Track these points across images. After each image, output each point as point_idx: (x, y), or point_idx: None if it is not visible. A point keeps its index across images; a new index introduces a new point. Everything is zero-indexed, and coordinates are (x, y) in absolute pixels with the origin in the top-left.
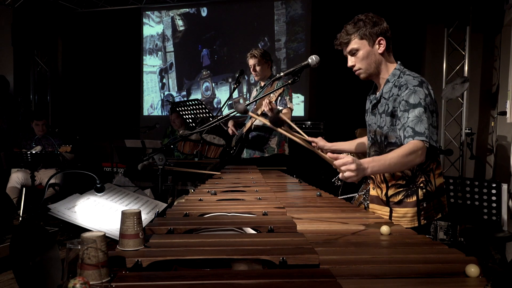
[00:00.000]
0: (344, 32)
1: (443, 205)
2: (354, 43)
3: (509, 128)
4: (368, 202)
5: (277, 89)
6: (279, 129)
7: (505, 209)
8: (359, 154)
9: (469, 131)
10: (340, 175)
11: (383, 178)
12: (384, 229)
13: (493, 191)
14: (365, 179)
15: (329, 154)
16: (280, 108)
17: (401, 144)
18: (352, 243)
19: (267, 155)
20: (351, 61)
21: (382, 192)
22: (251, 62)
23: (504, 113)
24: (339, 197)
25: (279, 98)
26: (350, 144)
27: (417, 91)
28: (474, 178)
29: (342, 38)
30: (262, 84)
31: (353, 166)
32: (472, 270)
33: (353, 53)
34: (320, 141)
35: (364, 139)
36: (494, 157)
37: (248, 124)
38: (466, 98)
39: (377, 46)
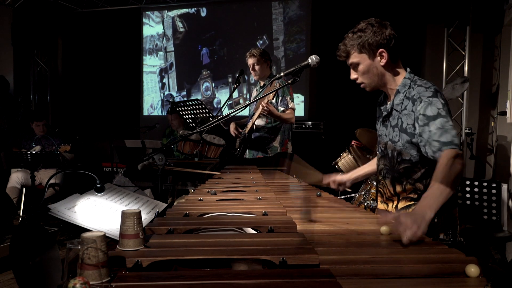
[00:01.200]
0: (343, 44)
1: (455, 218)
2: (354, 57)
3: (509, 128)
4: (368, 202)
5: (277, 90)
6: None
7: (505, 209)
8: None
9: (469, 131)
10: (403, 240)
11: (394, 192)
12: (384, 229)
13: (493, 191)
14: (365, 179)
15: (381, 219)
16: (282, 108)
17: (416, 162)
18: (352, 243)
19: (270, 155)
20: (353, 74)
21: (392, 205)
22: (250, 61)
23: (504, 113)
24: (339, 197)
25: (280, 98)
26: (370, 166)
27: (433, 102)
28: (474, 178)
29: (342, 51)
30: (262, 83)
31: (409, 222)
32: (472, 270)
33: (354, 67)
34: (337, 178)
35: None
36: (494, 157)
37: (249, 125)
38: (466, 98)
39: (378, 58)
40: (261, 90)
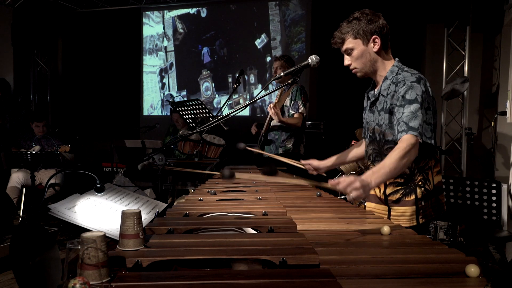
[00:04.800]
0: (338, 32)
1: (441, 203)
2: (349, 43)
3: (509, 128)
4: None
5: (277, 90)
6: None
7: (505, 209)
8: (358, 161)
9: (469, 131)
10: (347, 197)
11: None
12: (384, 229)
13: (493, 191)
14: None
15: (329, 182)
16: (292, 112)
17: (396, 141)
18: (352, 243)
19: (281, 153)
20: (347, 60)
21: (380, 191)
22: (276, 64)
23: (504, 113)
24: (339, 197)
25: (292, 102)
26: (344, 155)
27: (414, 87)
28: (474, 178)
29: (337, 37)
30: (277, 86)
31: (357, 184)
32: (472, 270)
33: (348, 52)
34: (313, 162)
35: (357, 146)
36: (494, 157)
37: (265, 125)
38: (466, 98)
39: (371, 44)
40: (279, 94)
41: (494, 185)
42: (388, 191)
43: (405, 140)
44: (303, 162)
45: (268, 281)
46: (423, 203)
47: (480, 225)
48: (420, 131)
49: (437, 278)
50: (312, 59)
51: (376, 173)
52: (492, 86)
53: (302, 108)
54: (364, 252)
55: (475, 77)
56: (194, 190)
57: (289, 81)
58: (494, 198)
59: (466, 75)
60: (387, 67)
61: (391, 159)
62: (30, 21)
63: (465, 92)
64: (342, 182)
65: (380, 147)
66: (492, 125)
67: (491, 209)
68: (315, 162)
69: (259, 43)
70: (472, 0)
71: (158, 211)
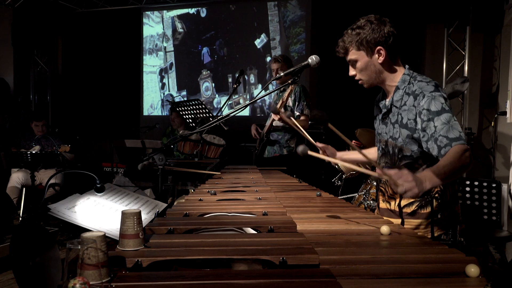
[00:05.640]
0: (342, 41)
1: (457, 214)
2: (352, 54)
3: (509, 128)
4: (368, 202)
5: (277, 90)
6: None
7: (505, 209)
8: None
9: (469, 131)
10: (399, 189)
11: None
12: (384, 229)
13: (493, 191)
14: (365, 178)
15: (378, 170)
16: (297, 113)
17: (417, 158)
18: (352, 243)
19: (286, 153)
20: (352, 70)
21: (395, 203)
22: (275, 66)
23: (504, 113)
24: (339, 197)
25: (297, 103)
26: (358, 154)
27: (436, 96)
28: (474, 178)
29: (340, 47)
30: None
31: (410, 178)
32: (472, 270)
33: (352, 63)
34: (330, 149)
35: (374, 149)
36: (494, 157)
37: (267, 125)
38: (466, 98)
39: (376, 55)
40: (281, 94)
41: (494, 185)
42: (403, 203)
43: (454, 149)
44: (319, 145)
45: (268, 281)
46: (439, 216)
47: (480, 225)
48: (463, 137)
49: (437, 278)
50: (312, 59)
51: (432, 174)
52: (492, 86)
53: (307, 110)
54: (364, 252)
55: (475, 77)
56: (194, 190)
57: (289, 81)
58: (494, 198)
59: (466, 75)
60: (397, 76)
61: (446, 162)
62: (30, 21)
63: (465, 92)
64: (395, 172)
65: (394, 161)
66: (492, 125)
67: (491, 209)
68: (331, 149)
69: (258, 43)
70: (472, 0)
71: (158, 211)
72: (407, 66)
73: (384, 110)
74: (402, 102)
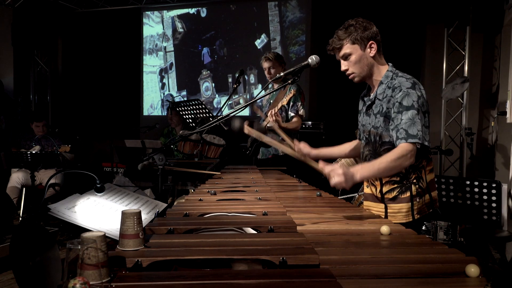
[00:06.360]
0: (336, 38)
1: (434, 200)
2: (347, 48)
3: (509, 128)
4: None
5: (276, 90)
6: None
7: (505, 209)
8: (352, 158)
9: (469, 131)
10: (331, 181)
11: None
12: (384, 229)
13: (493, 191)
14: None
15: (320, 163)
16: (292, 114)
17: (394, 144)
18: (352, 243)
19: (281, 154)
20: (344, 65)
21: (376, 190)
22: (266, 64)
23: (504, 113)
24: (339, 197)
25: (292, 104)
26: (339, 149)
27: (410, 93)
28: (474, 178)
29: (335, 44)
30: (276, 86)
31: (340, 172)
32: (472, 270)
33: (346, 57)
34: (304, 148)
35: (353, 143)
36: (494, 157)
37: (263, 124)
38: (466, 98)
39: (368, 49)
40: (274, 92)
41: (494, 185)
42: (385, 189)
43: (402, 147)
44: (296, 143)
45: (268, 281)
46: (417, 200)
47: (480, 225)
48: (420, 136)
49: (437, 278)
50: (312, 59)
51: (364, 168)
52: (492, 86)
53: (302, 110)
54: (364, 252)
55: (475, 77)
56: (194, 190)
57: (289, 81)
58: (494, 198)
59: (466, 75)
60: (382, 71)
61: (382, 159)
62: (30, 21)
63: (465, 92)
64: (328, 166)
65: (376, 148)
66: (492, 125)
67: (491, 209)
68: (306, 148)
69: (259, 43)
70: (472, 0)
71: (158, 211)
72: (390, 64)
73: (368, 103)
74: (384, 95)
